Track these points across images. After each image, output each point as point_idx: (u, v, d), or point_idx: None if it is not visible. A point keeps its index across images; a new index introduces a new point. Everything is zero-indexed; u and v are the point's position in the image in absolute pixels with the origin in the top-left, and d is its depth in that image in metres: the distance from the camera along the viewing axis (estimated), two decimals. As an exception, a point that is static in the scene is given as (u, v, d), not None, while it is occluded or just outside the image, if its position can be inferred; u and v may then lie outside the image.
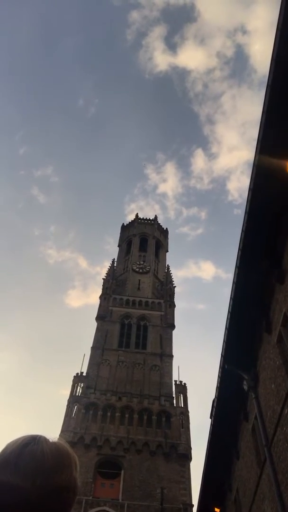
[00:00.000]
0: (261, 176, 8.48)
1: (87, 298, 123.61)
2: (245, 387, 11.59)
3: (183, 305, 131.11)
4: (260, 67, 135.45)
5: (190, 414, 40.09)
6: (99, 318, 49.64)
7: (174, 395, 41.94)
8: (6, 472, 0.99)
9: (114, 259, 60.82)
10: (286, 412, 8.97)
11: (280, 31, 6.92)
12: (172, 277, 57.51)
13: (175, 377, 44.06)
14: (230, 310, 10.97)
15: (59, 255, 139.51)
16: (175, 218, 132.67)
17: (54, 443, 1.09)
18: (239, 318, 11.00)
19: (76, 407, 38.88)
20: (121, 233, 68.20)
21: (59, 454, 1.06)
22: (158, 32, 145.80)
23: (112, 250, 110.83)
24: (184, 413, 39.83)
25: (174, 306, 52.68)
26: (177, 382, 42.90)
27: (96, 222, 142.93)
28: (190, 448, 37.59)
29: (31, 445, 1.04)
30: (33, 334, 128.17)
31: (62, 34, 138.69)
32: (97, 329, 48.52)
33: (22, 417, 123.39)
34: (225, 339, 11.62)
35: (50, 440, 1.09)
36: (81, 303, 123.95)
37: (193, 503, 32.64)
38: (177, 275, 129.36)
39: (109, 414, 38.44)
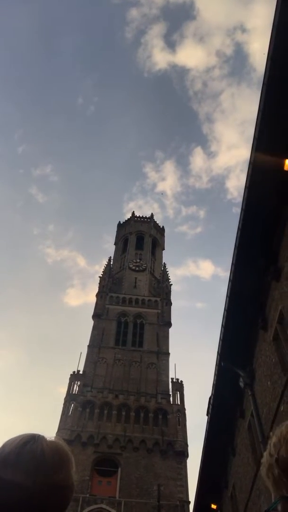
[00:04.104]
0: (257, 174, 8.52)
1: (86, 297, 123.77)
2: (242, 384, 11.63)
3: (182, 304, 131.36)
4: (259, 65, 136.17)
5: (186, 412, 40.30)
6: (96, 316, 49.63)
7: (171, 393, 42.05)
8: (6, 470, 1.00)
9: (110, 257, 60.84)
10: (282, 409, 9.02)
11: (276, 30, 6.95)
12: (169, 275, 57.65)
13: (171, 374, 44.22)
14: (226, 307, 11.02)
15: (58, 253, 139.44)
16: (174, 217, 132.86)
17: (52, 442, 1.12)
18: (235, 315, 11.04)
19: (73, 405, 38.93)
20: (117, 231, 68.18)
21: (58, 453, 1.09)
22: (157, 30, 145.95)
23: (110, 249, 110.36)
24: (180, 410, 39.95)
25: (171, 304, 52.74)
26: (174, 380, 43.00)
27: (95, 221, 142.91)
28: (187, 445, 37.75)
29: (30, 444, 1.06)
30: (32, 333, 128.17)
31: (61, 32, 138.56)
32: (94, 327, 48.54)
33: (19, 415, 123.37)
34: (221, 337, 11.67)
35: (48, 439, 1.12)
36: (80, 302, 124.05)
37: (190, 500, 32.83)
38: (176, 273, 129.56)
39: (106, 412, 38.50)
